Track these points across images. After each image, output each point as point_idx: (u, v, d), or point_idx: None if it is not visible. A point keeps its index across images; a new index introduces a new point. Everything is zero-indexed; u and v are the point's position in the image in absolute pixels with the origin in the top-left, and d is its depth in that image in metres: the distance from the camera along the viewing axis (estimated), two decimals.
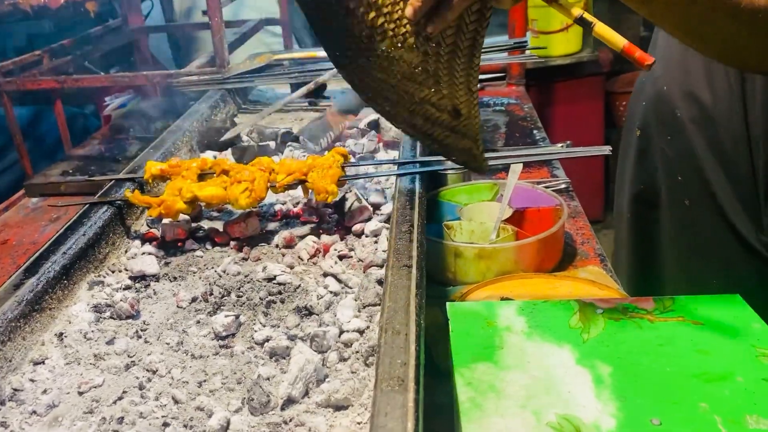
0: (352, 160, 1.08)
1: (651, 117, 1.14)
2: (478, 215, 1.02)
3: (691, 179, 1.07)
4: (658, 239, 1.17)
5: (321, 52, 1.64)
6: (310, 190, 0.99)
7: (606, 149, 1.03)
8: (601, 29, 0.68)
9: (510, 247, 0.92)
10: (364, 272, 0.89)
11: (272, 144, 1.28)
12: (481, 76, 1.81)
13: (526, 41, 1.48)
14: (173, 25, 2.50)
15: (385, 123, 1.30)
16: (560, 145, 1.19)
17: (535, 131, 1.52)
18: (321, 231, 1.00)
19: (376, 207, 1.05)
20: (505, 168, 1.29)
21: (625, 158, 1.24)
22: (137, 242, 1.00)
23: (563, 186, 1.22)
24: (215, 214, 1.08)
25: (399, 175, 0.99)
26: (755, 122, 0.96)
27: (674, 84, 1.08)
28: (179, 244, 0.99)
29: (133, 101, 2.22)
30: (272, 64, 1.65)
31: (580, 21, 0.69)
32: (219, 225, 1.03)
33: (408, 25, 0.75)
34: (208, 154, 1.29)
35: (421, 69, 0.78)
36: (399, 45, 0.76)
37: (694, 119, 1.04)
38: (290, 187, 0.98)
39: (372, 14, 0.75)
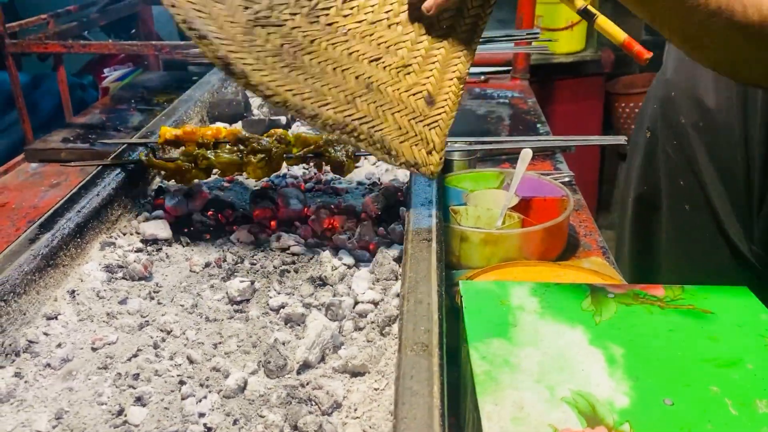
0: None
1: (659, 120, 1.15)
2: (483, 202, 1.03)
3: (691, 185, 1.08)
4: (658, 241, 1.18)
5: None
6: (324, 166, 0.99)
7: (621, 139, 1.03)
8: (603, 22, 0.70)
9: (516, 234, 0.93)
10: (372, 249, 0.89)
11: (284, 119, 1.28)
12: (487, 69, 1.83)
13: (537, 32, 1.48)
14: None
15: None
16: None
17: (538, 125, 1.52)
18: (333, 206, 1.00)
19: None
20: (509, 159, 1.30)
21: (633, 157, 1.25)
22: (148, 206, 0.99)
23: (566, 179, 1.23)
24: (226, 184, 1.08)
25: None
26: (754, 128, 0.97)
27: (682, 89, 1.08)
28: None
29: (133, 74, 2.21)
30: None
31: (584, 12, 0.70)
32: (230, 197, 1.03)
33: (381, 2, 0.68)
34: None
35: (392, 50, 0.70)
36: (369, 23, 0.69)
37: (696, 125, 1.05)
38: (305, 160, 0.98)
39: None
